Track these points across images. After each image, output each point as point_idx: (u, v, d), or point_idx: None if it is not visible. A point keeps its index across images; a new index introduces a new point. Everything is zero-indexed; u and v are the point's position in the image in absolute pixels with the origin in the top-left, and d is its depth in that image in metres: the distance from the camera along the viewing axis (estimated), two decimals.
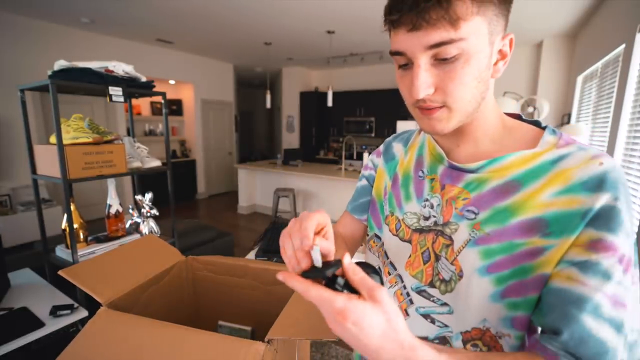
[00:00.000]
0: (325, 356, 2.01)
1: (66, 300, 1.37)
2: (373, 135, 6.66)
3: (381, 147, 0.72)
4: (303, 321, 0.69)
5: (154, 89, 1.76)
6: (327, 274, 0.37)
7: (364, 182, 0.73)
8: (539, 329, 0.47)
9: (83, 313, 1.31)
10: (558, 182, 0.43)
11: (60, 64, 1.39)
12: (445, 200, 0.53)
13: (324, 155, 7.26)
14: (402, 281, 0.57)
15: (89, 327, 0.71)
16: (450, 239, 0.51)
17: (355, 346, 0.35)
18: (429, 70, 0.43)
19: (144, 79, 1.69)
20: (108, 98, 1.52)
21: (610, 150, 2.50)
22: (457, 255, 0.49)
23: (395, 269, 0.59)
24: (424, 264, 0.54)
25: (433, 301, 0.53)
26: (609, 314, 0.39)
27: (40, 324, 1.20)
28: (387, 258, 0.60)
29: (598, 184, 0.41)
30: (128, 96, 1.67)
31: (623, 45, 2.48)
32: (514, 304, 0.46)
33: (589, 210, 0.41)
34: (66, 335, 1.23)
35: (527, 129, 0.51)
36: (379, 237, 0.64)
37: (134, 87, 1.64)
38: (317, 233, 0.41)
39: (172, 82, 5.98)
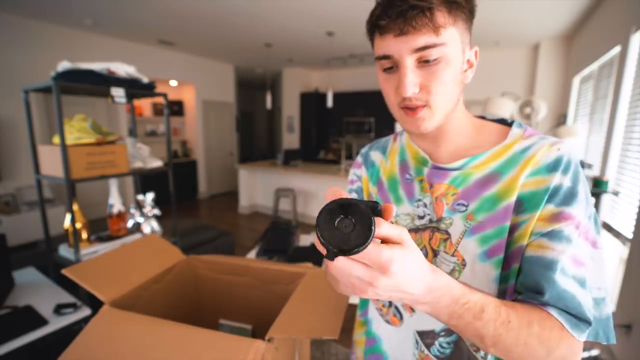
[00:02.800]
0: (325, 354, 2.02)
1: (69, 298, 1.39)
2: (373, 135, 6.66)
3: (359, 159, 0.74)
4: (303, 320, 0.71)
5: (156, 90, 1.78)
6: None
7: (353, 195, 0.74)
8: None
9: (86, 311, 1.32)
10: (528, 166, 0.49)
11: (63, 65, 1.41)
12: (435, 197, 0.56)
13: (324, 156, 7.27)
14: None
15: (91, 325, 0.72)
16: (447, 233, 0.54)
17: (398, 293, 0.36)
18: (415, 71, 0.49)
19: (145, 80, 1.70)
20: (110, 99, 1.54)
21: (606, 150, 2.51)
22: (456, 247, 0.52)
23: None
24: (436, 259, 0.56)
25: None
26: (572, 271, 0.45)
27: (44, 322, 1.22)
28: None
29: (556, 165, 0.48)
30: (130, 97, 1.69)
31: (618, 47, 2.49)
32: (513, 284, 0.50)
33: (549, 187, 0.47)
34: (69, 333, 1.25)
35: (493, 126, 0.58)
36: None
37: (135, 88, 1.66)
38: None
39: (173, 83, 5.99)
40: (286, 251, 1.58)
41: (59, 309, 1.29)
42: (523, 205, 0.48)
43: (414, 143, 0.62)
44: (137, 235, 1.74)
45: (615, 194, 2.18)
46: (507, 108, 2.97)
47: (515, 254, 0.49)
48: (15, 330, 1.16)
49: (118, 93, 1.55)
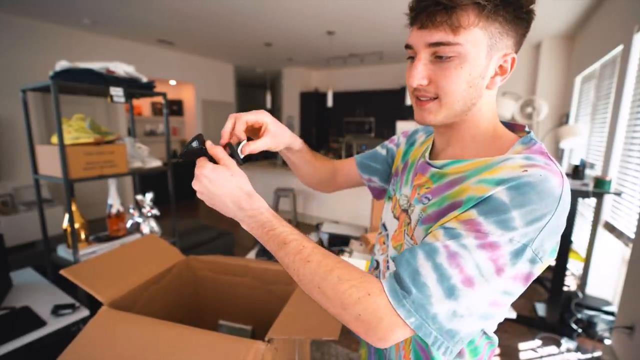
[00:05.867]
0: (325, 355, 2.02)
1: (68, 299, 1.38)
2: (373, 135, 6.66)
3: (409, 130, 0.78)
4: (303, 320, 0.70)
5: (155, 90, 1.77)
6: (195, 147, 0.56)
7: (383, 151, 0.80)
8: None
9: (84, 312, 1.31)
10: (486, 175, 0.47)
11: (61, 64, 1.40)
12: (414, 185, 0.61)
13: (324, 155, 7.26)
14: (388, 249, 0.66)
15: (90, 326, 0.72)
16: (410, 218, 0.58)
17: (215, 203, 0.55)
18: (427, 65, 0.50)
19: (144, 80, 1.69)
20: (109, 98, 1.53)
21: (608, 151, 2.50)
22: (413, 232, 0.56)
23: (387, 239, 0.68)
24: (402, 238, 0.61)
25: None
26: (440, 261, 0.42)
27: (42, 323, 1.21)
28: (385, 230, 0.69)
29: (506, 181, 0.43)
30: (129, 96, 1.68)
31: (621, 46, 2.48)
32: None
33: (484, 195, 0.44)
34: (68, 335, 1.24)
35: (510, 137, 0.55)
36: (390, 198, 0.72)
37: (134, 88, 1.65)
38: (256, 129, 0.69)
39: (172, 82, 5.99)
40: None
41: (57, 310, 1.28)
42: (463, 206, 0.46)
43: (434, 136, 0.64)
44: (136, 236, 1.73)
45: (618, 194, 2.17)
46: (508, 108, 2.95)
47: None
48: (12, 332, 1.15)
49: (117, 92, 1.54)
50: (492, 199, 0.43)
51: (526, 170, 0.43)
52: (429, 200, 0.55)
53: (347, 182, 0.86)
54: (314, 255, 0.47)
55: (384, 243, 0.70)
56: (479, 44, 0.47)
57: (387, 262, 0.66)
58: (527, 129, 0.55)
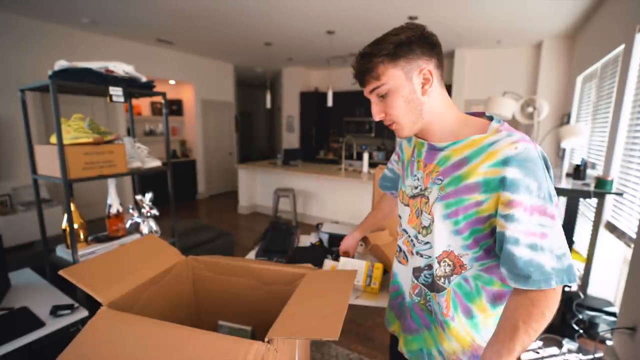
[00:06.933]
0: (325, 356, 2.01)
1: (66, 300, 1.37)
2: (373, 135, 6.66)
3: (397, 148, 1.02)
4: (303, 321, 0.69)
5: (154, 89, 1.76)
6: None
7: (387, 172, 1.10)
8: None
9: (83, 313, 1.30)
10: (490, 158, 0.67)
11: (60, 64, 1.39)
12: (426, 173, 0.79)
13: (324, 156, 7.26)
14: (407, 233, 0.86)
15: (89, 327, 0.71)
16: (427, 198, 0.77)
17: None
18: (378, 104, 0.76)
19: (144, 79, 1.69)
20: (108, 98, 1.52)
21: (610, 150, 2.49)
22: (431, 208, 0.76)
23: (401, 225, 0.89)
24: (416, 218, 0.82)
25: (420, 242, 0.81)
26: (524, 240, 0.63)
27: (40, 324, 1.20)
28: (400, 217, 0.90)
29: (509, 160, 0.64)
30: (128, 96, 1.67)
31: (622, 46, 2.48)
32: (466, 236, 0.72)
33: (501, 177, 0.64)
34: (67, 335, 1.23)
35: (478, 121, 0.75)
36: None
37: (134, 87, 1.64)
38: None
39: (172, 82, 5.98)
40: (286, 252, 1.56)
41: (55, 311, 1.27)
42: (483, 187, 0.67)
43: (416, 136, 0.84)
44: (136, 236, 1.73)
45: (620, 194, 2.16)
46: (508, 107, 2.95)
47: (476, 220, 0.70)
48: (11, 332, 1.14)
49: (116, 92, 1.53)
50: (510, 179, 0.63)
51: (516, 147, 0.64)
52: (441, 180, 0.74)
53: (391, 200, 1.22)
54: (525, 336, 0.63)
55: (400, 227, 0.90)
56: (397, 76, 0.70)
57: (412, 242, 0.84)
58: (487, 113, 0.76)
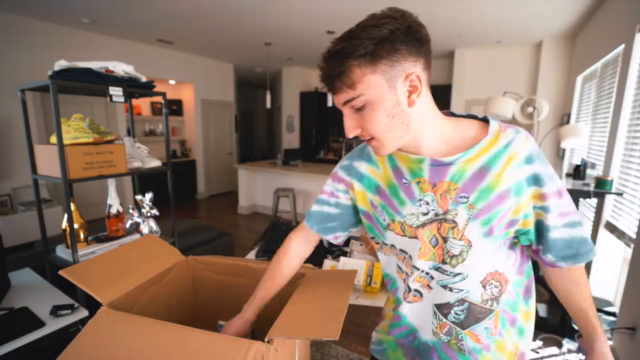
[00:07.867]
0: (325, 356, 2.01)
1: (67, 300, 1.37)
2: None
3: (340, 173, 0.81)
4: (303, 320, 0.69)
5: (154, 89, 1.76)
6: None
7: (329, 209, 0.81)
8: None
9: (83, 313, 1.30)
10: (513, 160, 0.61)
11: (60, 64, 1.39)
12: (439, 195, 0.65)
13: (324, 155, 7.26)
14: (418, 269, 0.69)
15: (89, 327, 0.71)
16: (454, 222, 0.64)
17: None
18: (352, 117, 0.61)
19: (144, 79, 1.69)
20: (108, 98, 1.52)
21: (610, 150, 2.49)
22: (463, 232, 0.63)
23: (406, 263, 0.72)
24: (434, 247, 0.67)
25: (447, 274, 0.67)
26: (561, 222, 0.63)
27: (40, 324, 1.20)
28: (406, 253, 0.72)
29: (531, 157, 0.61)
30: (128, 96, 1.67)
31: (622, 46, 2.48)
32: (505, 248, 0.66)
33: (529, 175, 0.61)
34: (67, 335, 1.23)
35: (466, 121, 0.67)
36: (385, 243, 0.76)
37: (134, 87, 1.64)
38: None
39: (172, 82, 5.98)
40: None
41: (55, 311, 1.27)
42: (514, 190, 0.61)
43: (400, 150, 0.68)
44: (136, 236, 1.73)
45: (620, 194, 2.16)
46: (508, 107, 2.95)
47: (514, 222, 0.63)
48: (11, 332, 1.14)
49: (116, 92, 1.53)
50: (537, 174, 0.61)
51: (527, 138, 0.62)
52: (467, 198, 0.62)
53: (308, 251, 0.91)
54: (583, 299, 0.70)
55: (405, 266, 0.73)
56: (377, 85, 0.56)
57: (428, 274, 0.69)
58: (474, 114, 0.69)
